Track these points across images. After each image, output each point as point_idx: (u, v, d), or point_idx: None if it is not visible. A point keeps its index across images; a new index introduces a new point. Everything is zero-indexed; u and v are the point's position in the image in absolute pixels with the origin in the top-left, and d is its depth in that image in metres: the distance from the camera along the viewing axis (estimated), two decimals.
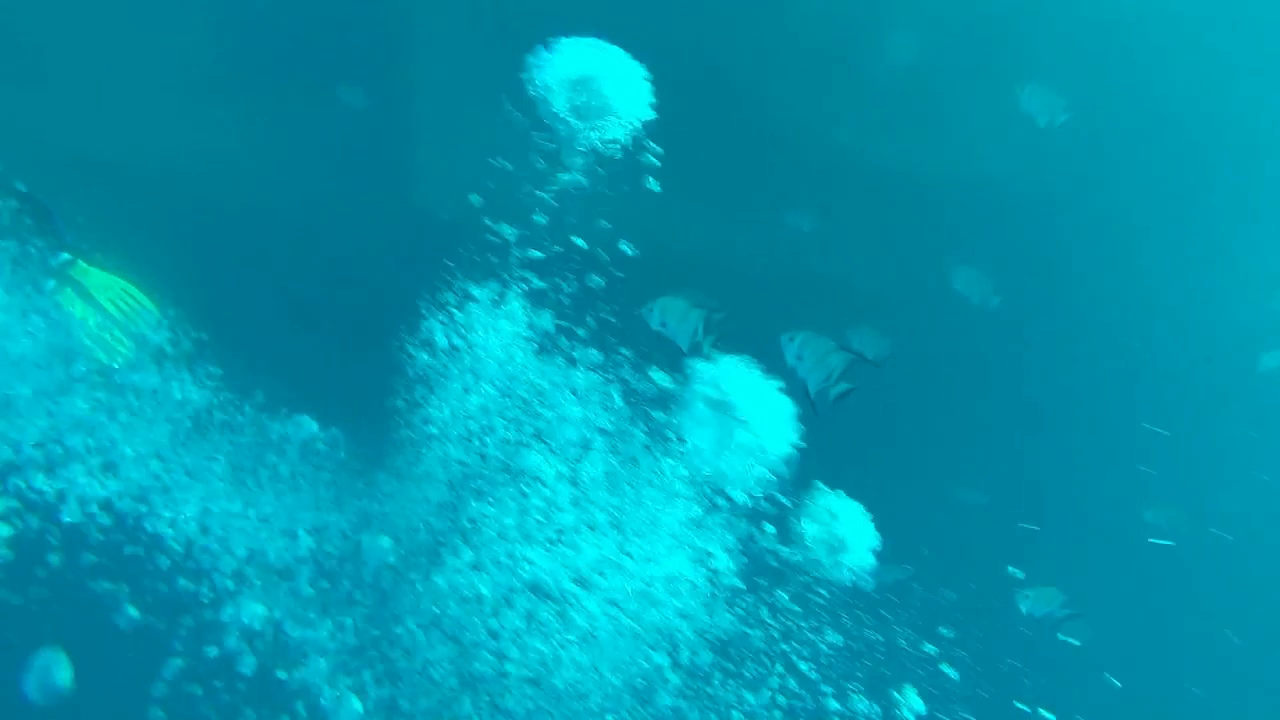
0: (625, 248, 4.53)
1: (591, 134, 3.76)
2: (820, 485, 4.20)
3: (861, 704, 5.37)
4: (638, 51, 3.69)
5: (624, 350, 4.79)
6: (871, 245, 8.01)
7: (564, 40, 3.60)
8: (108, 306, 4.20)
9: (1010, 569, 7.17)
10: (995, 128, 7.48)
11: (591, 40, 3.65)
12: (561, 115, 3.69)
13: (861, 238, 7.93)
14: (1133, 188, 8.17)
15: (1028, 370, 8.76)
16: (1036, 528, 8.72)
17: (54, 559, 5.37)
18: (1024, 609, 6.69)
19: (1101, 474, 9.11)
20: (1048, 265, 8.29)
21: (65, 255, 4.15)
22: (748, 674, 5.33)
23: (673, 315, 3.95)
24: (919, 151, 7.67)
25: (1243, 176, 8.37)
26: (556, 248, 4.60)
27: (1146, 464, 8.86)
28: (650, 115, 3.69)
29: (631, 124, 3.71)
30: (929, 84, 7.51)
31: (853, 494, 4.24)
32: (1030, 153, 7.60)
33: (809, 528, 4.21)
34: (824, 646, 5.35)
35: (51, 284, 4.12)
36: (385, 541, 5.54)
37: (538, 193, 4.35)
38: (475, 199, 4.77)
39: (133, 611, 5.56)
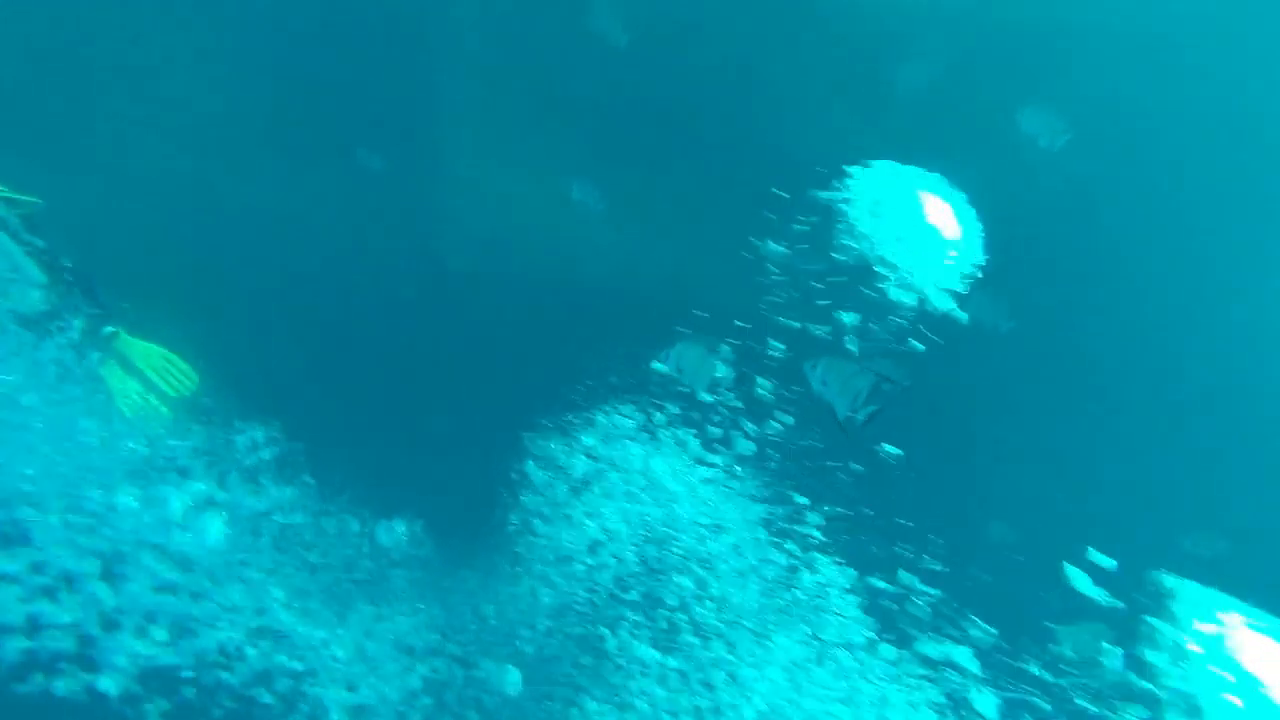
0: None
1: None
2: None
3: None
4: None
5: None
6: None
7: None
8: (151, 375, 4.33)
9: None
10: (995, 150, 7.56)
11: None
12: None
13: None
14: (1138, 208, 8.21)
15: (1044, 394, 8.70)
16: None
17: None
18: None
19: (1136, 499, 8.95)
20: (1055, 287, 8.30)
21: (109, 328, 4.31)
22: None
23: (689, 361, 3.98)
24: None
25: (1255, 195, 8.38)
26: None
27: (1182, 489, 8.70)
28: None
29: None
30: (929, 106, 7.61)
31: None
32: (1032, 174, 7.67)
33: None
34: None
35: (97, 356, 4.27)
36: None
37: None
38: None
39: None
